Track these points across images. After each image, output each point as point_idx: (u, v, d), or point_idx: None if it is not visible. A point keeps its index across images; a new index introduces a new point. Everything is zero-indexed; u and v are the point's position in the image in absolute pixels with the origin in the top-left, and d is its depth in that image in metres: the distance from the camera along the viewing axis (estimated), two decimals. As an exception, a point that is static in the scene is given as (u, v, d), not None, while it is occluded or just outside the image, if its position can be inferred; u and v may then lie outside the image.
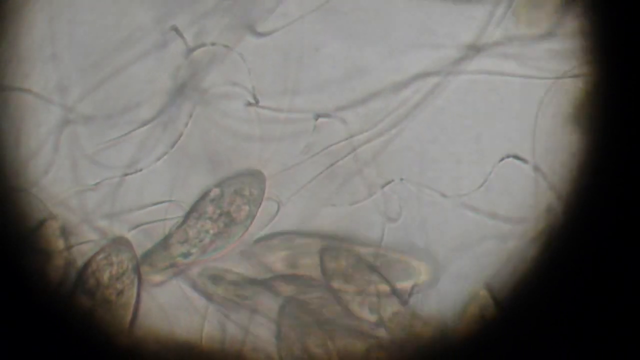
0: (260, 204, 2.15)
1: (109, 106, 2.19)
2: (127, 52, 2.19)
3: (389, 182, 2.15)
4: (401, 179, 2.15)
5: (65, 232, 2.16)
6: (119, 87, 2.19)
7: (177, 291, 2.16)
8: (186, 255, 2.14)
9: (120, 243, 2.15)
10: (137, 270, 2.14)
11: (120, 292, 2.12)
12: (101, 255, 2.14)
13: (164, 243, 2.15)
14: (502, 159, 2.15)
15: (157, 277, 2.15)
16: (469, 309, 2.13)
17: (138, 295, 2.13)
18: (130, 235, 2.16)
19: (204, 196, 2.16)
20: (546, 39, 2.15)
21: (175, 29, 2.18)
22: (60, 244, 2.15)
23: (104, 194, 2.17)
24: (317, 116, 2.16)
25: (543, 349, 2.08)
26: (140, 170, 2.17)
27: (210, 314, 2.15)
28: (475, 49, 2.16)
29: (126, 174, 2.16)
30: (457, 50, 2.16)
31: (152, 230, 2.17)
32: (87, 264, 2.14)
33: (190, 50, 2.18)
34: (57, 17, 2.21)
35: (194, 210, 2.15)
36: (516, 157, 2.15)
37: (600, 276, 2.08)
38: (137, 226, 2.16)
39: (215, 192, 2.15)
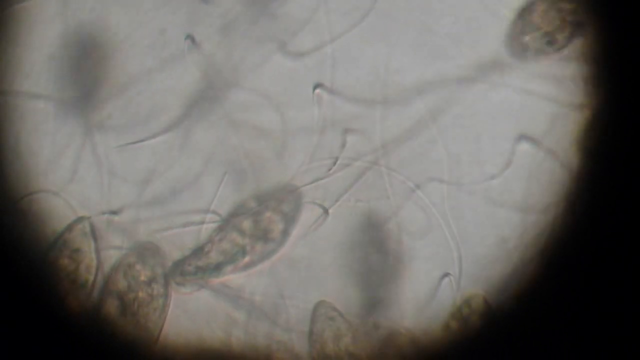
0: (296, 222, 2.15)
1: (130, 114, 2.17)
2: (149, 60, 2.16)
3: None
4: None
5: (94, 235, 2.14)
6: (141, 95, 2.16)
7: (206, 298, 2.16)
8: (218, 267, 2.14)
9: (150, 248, 2.14)
10: (166, 277, 2.13)
11: (150, 297, 2.12)
12: (131, 259, 2.13)
13: (197, 254, 2.15)
14: (519, 139, 2.15)
15: (187, 288, 2.15)
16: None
17: (167, 301, 2.13)
18: (160, 240, 2.15)
19: (240, 210, 2.15)
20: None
21: (191, 38, 2.14)
22: (90, 246, 2.13)
23: (136, 202, 2.16)
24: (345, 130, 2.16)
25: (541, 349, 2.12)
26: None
27: (239, 320, 2.16)
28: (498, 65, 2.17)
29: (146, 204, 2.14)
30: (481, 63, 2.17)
31: (185, 237, 2.16)
32: (116, 268, 2.13)
33: (209, 58, 2.15)
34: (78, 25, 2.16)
35: (228, 223, 2.15)
36: (530, 138, 2.15)
37: (600, 276, 2.12)
38: (166, 229, 2.15)
39: (252, 206, 2.14)
